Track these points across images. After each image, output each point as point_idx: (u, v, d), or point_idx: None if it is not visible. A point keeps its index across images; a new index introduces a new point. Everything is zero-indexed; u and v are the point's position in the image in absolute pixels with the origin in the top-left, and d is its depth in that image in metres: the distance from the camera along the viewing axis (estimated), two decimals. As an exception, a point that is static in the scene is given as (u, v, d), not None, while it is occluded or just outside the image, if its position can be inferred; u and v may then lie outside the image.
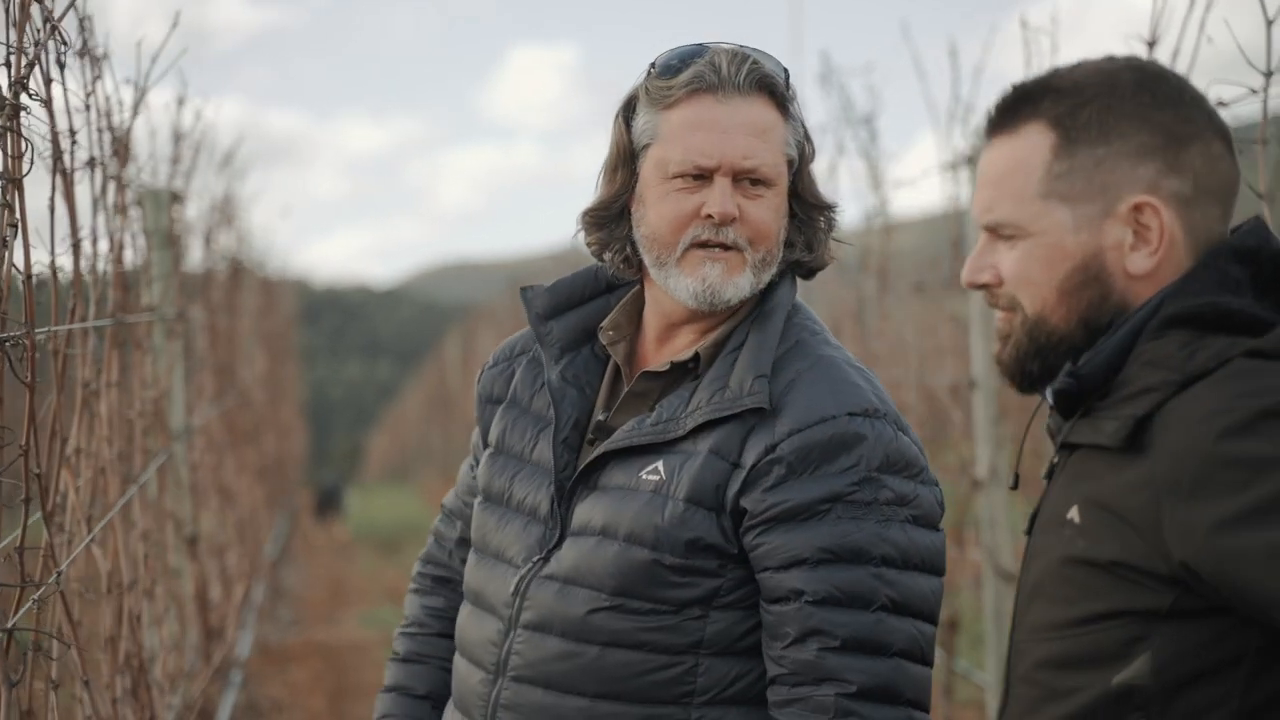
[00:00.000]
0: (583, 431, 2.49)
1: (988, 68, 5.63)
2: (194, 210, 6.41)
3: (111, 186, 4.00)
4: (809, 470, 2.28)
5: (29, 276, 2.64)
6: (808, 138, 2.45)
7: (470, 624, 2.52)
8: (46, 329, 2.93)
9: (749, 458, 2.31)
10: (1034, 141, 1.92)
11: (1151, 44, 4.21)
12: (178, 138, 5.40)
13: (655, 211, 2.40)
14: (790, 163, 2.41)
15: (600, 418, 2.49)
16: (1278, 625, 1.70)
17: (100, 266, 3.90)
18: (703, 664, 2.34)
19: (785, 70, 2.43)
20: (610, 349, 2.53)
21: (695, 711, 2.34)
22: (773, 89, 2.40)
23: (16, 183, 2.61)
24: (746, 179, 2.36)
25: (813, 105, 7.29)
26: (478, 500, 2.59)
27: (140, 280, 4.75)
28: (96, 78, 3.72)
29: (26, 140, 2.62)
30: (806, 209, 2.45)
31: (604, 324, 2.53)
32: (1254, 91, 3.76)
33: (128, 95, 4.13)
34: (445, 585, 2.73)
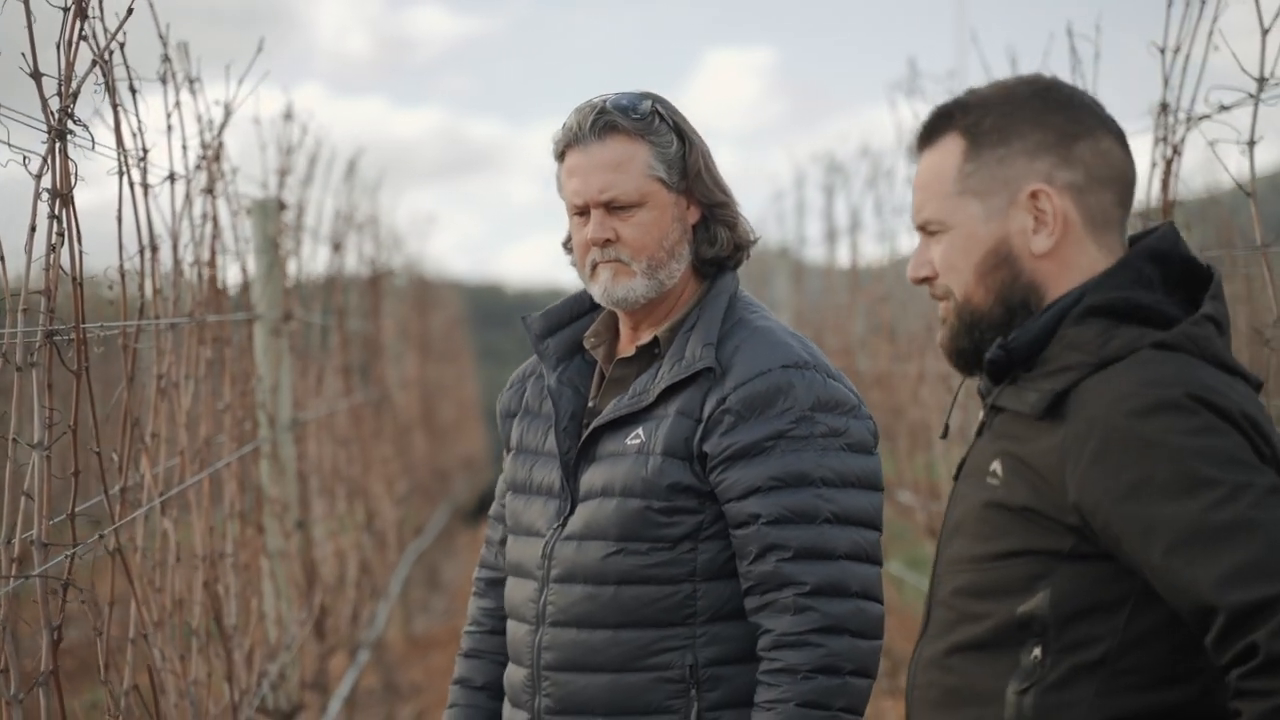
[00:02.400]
0: (579, 422, 3.00)
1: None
2: (313, 219, 6.83)
3: (201, 198, 4.42)
4: (754, 415, 2.82)
5: (75, 279, 3.05)
6: (688, 147, 2.93)
7: (513, 590, 3.03)
8: (99, 325, 3.33)
9: (707, 410, 2.85)
10: (948, 149, 2.25)
11: (1169, 50, 4.41)
12: (287, 150, 5.83)
13: (573, 241, 3.00)
14: (663, 180, 2.90)
15: (591, 404, 3.01)
16: (1148, 578, 2.00)
17: (187, 270, 4.33)
18: (700, 589, 2.86)
19: (651, 103, 2.93)
20: (593, 352, 3.05)
21: (699, 629, 2.86)
22: (624, 128, 2.90)
23: (65, 198, 3.01)
24: (614, 207, 2.90)
25: (903, 115, 7.48)
26: (509, 494, 3.10)
27: (245, 283, 5.18)
28: (177, 103, 4.15)
29: (73, 161, 3.03)
30: (707, 207, 2.96)
31: (587, 333, 3.06)
32: (1250, 96, 3.95)
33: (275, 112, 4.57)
34: (495, 587, 3.20)
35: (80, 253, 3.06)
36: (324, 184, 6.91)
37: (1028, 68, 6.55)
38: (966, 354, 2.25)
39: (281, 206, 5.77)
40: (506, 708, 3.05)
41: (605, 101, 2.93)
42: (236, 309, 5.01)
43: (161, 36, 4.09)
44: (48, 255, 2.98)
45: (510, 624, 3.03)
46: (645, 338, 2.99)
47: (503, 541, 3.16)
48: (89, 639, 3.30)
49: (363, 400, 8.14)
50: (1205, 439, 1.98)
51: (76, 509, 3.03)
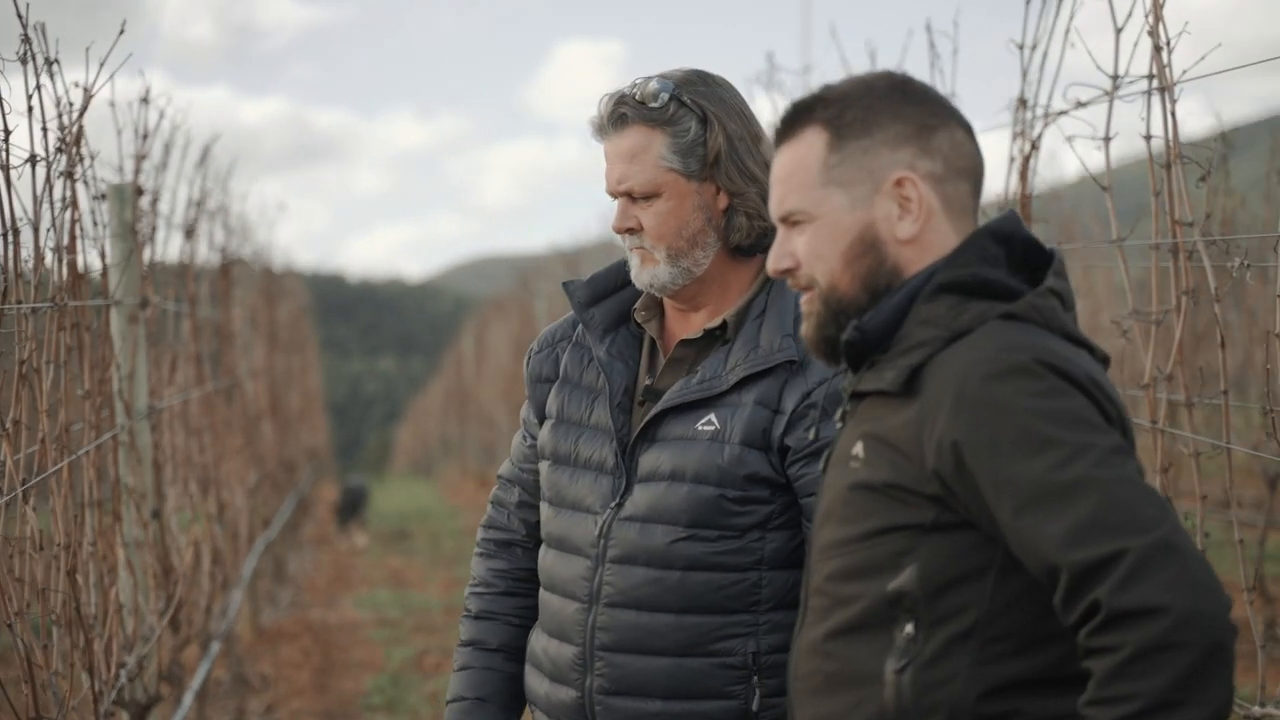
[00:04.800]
0: (631, 396, 3.00)
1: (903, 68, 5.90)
2: (167, 206, 6.73)
3: (60, 181, 4.35)
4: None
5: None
6: (710, 133, 2.91)
7: (558, 565, 3.00)
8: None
9: (788, 404, 2.85)
10: (810, 142, 2.30)
11: (1027, 47, 4.52)
12: (143, 135, 5.73)
13: None
14: (678, 170, 2.89)
15: (647, 382, 2.99)
16: (1006, 542, 2.07)
17: (48, 255, 4.25)
18: (765, 577, 2.86)
19: (673, 89, 2.91)
20: (645, 326, 3.04)
21: (763, 616, 2.86)
22: (639, 118, 2.90)
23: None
24: (634, 196, 2.92)
25: (761, 108, 7.57)
26: (545, 464, 3.08)
27: (103, 270, 5.10)
28: (38, 86, 4.07)
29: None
30: (737, 190, 2.93)
31: (636, 306, 3.05)
32: (1105, 93, 4.07)
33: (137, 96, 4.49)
34: (507, 549, 3.22)
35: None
36: (178, 170, 6.81)
37: (887, 63, 6.66)
38: (833, 340, 2.30)
39: (139, 191, 5.68)
40: (536, 678, 3.04)
41: (626, 89, 2.93)
42: (95, 295, 4.93)
43: (20, 16, 4.02)
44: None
45: (553, 598, 3.00)
46: (700, 321, 2.98)
47: (519, 505, 3.18)
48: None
49: (214, 389, 8.04)
50: (1051, 401, 2.05)
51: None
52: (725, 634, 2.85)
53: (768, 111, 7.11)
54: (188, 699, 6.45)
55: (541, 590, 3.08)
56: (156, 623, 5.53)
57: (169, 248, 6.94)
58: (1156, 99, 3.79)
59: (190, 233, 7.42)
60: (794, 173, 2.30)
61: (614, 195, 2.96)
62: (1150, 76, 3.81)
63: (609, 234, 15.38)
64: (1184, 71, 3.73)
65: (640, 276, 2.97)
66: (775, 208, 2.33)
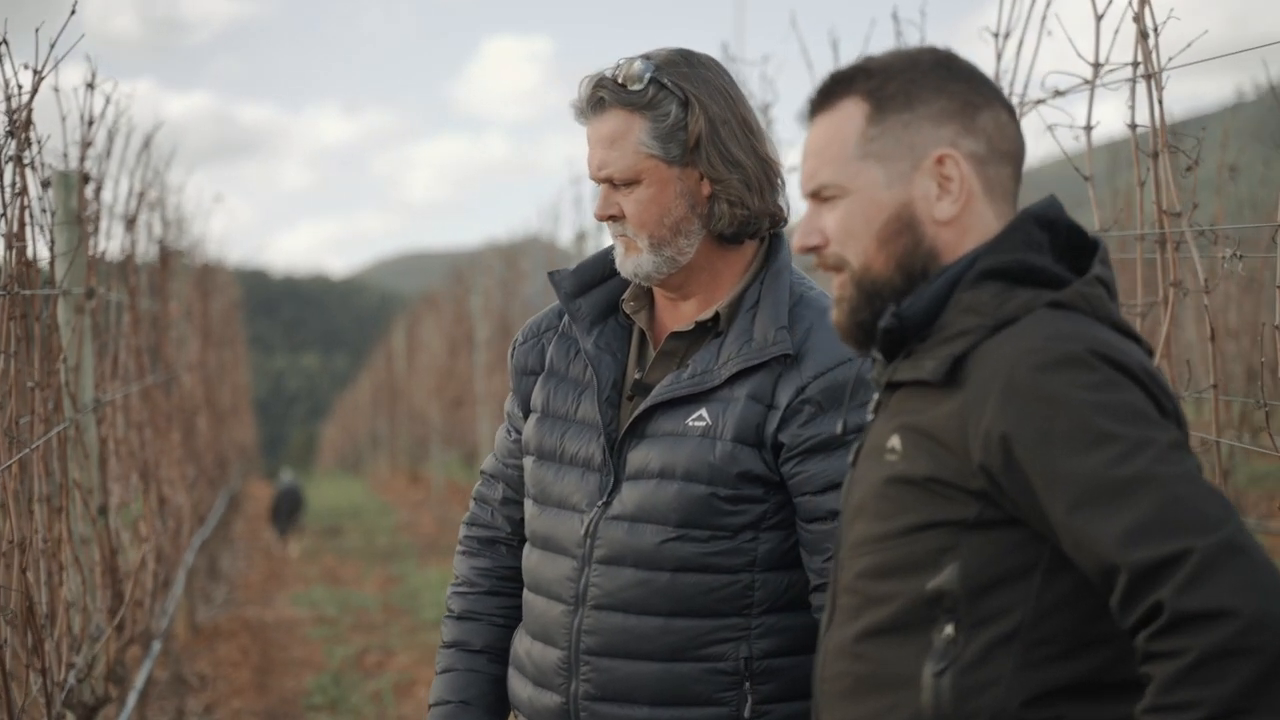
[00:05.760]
0: (619, 390, 2.87)
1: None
2: (110, 195, 6.58)
3: (10, 167, 4.21)
4: (835, 406, 2.70)
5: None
6: (691, 116, 2.77)
7: (542, 565, 2.88)
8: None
9: (782, 399, 2.73)
10: (849, 113, 2.17)
11: (1001, 36, 4.46)
12: (89, 122, 5.58)
13: None
14: (659, 155, 2.76)
15: (637, 376, 2.87)
16: (1056, 539, 1.96)
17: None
18: (758, 579, 2.74)
19: (654, 70, 2.77)
20: (634, 318, 2.91)
21: (755, 620, 2.75)
22: (617, 102, 2.77)
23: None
24: (615, 183, 2.80)
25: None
26: (529, 459, 2.95)
27: (52, 259, 4.95)
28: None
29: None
30: (718, 177, 2.79)
31: (625, 297, 2.92)
32: (1086, 82, 4.01)
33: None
34: (490, 546, 3.08)
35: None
36: (120, 160, 6.65)
37: (849, 54, 6.62)
38: (867, 326, 2.18)
39: (85, 179, 5.53)
40: (520, 681, 2.92)
41: (607, 71, 2.81)
42: (43, 285, 4.79)
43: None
44: None
45: (537, 600, 2.89)
46: (691, 312, 2.86)
47: (503, 501, 3.05)
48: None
49: (154, 383, 7.87)
50: (1106, 393, 1.95)
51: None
52: (716, 638, 2.74)
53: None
54: (131, 699, 6.30)
55: (525, 591, 2.96)
56: (105, 622, 5.39)
57: (113, 238, 6.75)
58: (1141, 87, 3.73)
59: (132, 223, 7.26)
60: (828, 145, 2.18)
61: (596, 181, 2.84)
62: (1135, 64, 3.75)
63: (546, 229, 15.27)
64: (1170, 59, 3.67)
65: (624, 265, 2.84)
66: (805, 182, 2.21)
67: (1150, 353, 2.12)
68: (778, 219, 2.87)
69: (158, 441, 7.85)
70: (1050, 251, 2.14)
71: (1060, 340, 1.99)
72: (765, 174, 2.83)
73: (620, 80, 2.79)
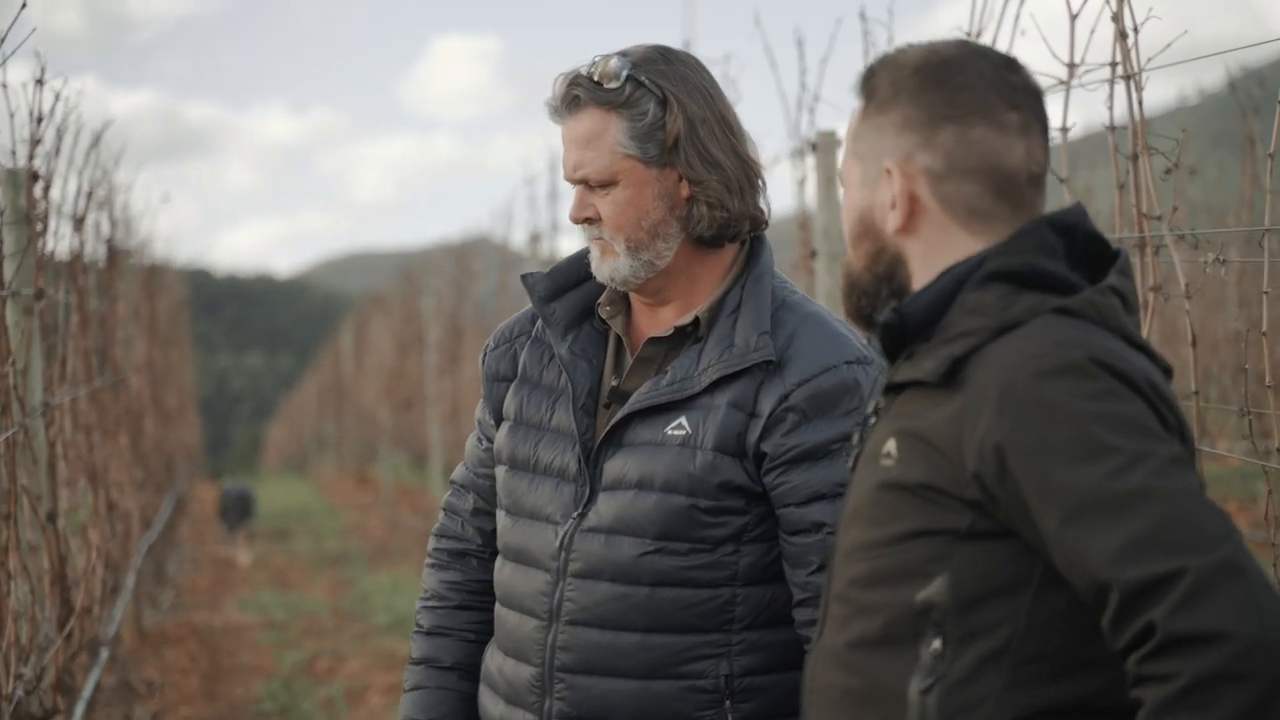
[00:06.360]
0: (595, 398, 2.76)
1: (831, 57, 5.80)
2: (59, 193, 6.44)
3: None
4: (820, 415, 2.62)
5: None
6: (669, 116, 2.68)
7: (515, 579, 2.78)
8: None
9: (765, 407, 2.63)
10: (856, 108, 2.17)
11: (972, 35, 4.40)
12: (38, 119, 5.45)
13: None
14: (636, 156, 2.67)
15: (614, 383, 2.76)
16: (1048, 553, 1.88)
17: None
18: (739, 594, 2.65)
19: (630, 68, 2.68)
20: (610, 322, 2.81)
21: (736, 636, 2.65)
22: (593, 101, 2.68)
23: None
24: (591, 184, 2.71)
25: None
26: (502, 469, 2.84)
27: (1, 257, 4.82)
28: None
29: None
30: (697, 178, 2.70)
31: (600, 300, 2.82)
32: (1061, 82, 3.95)
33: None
34: (461, 559, 2.98)
35: None
36: (69, 158, 6.51)
37: (814, 54, 6.54)
38: (863, 313, 2.17)
39: (34, 177, 5.40)
40: (491, 699, 2.83)
41: (583, 69, 2.72)
42: (-9, 285, 4.66)
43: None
44: None
45: (510, 615, 2.78)
46: (669, 317, 2.76)
47: (474, 512, 2.95)
48: None
49: (101, 385, 7.73)
50: (1107, 404, 1.87)
51: None
52: (695, 655, 2.64)
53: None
54: (79, 709, 6.16)
55: (497, 605, 2.85)
56: (54, 632, 5.26)
57: (59, 238, 6.61)
58: (1120, 87, 3.67)
59: (80, 222, 7.12)
60: (846, 137, 2.19)
61: (571, 182, 2.74)
62: (1114, 64, 3.69)
63: (498, 229, 15.15)
64: (1149, 59, 3.62)
65: (600, 269, 2.73)
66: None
67: (1168, 370, 2.04)
68: (758, 221, 2.78)
69: (106, 445, 7.72)
70: (1065, 258, 2.07)
71: (1062, 347, 1.92)
72: (745, 175, 2.74)
73: (596, 78, 2.69)
